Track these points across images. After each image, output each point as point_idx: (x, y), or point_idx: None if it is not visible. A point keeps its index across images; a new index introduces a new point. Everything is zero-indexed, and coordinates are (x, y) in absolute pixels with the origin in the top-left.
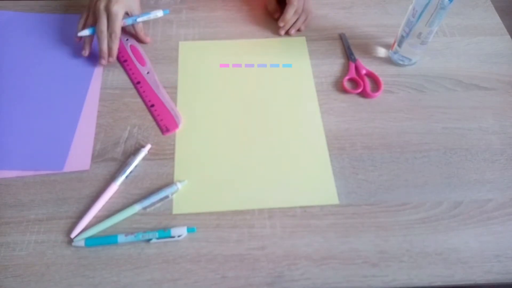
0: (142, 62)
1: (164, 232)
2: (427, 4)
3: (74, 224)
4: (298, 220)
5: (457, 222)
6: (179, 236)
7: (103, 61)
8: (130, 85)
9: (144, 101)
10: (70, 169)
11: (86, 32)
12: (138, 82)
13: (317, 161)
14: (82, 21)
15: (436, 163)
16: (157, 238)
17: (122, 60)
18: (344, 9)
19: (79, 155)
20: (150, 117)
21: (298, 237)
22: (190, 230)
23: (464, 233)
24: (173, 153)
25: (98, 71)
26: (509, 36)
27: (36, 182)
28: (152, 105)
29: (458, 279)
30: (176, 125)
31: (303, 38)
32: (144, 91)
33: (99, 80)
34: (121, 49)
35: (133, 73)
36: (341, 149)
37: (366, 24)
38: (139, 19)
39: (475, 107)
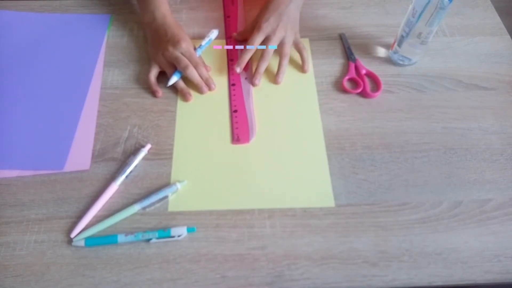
0: (246, 67)
1: (164, 232)
2: (427, 4)
3: (74, 224)
4: (298, 220)
5: (457, 222)
6: (179, 236)
7: (205, 90)
8: (130, 85)
9: (230, 104)
10: (70, 169)
11: (174, 79)
12: (233, 84)
13: (315, 163)
14: (152, 75)
15: (436, 163)
16: (157, 238)
17: (229, 59)
18: (344, 9)
19: (79, 155)
20: (150, 117)
21: (298, 237)
22: (190, 230)
23: (464, 233)
24: (173, 153)
25: (98, 71)
26: (509, 36)
27: (36, 182)
28: (235, 111)
29: (458, 278)
30: (247, 139)
31: (307, 40)
32: (234, 95)
33: (99, 80)
34: (232, 49)
35: (232, 74)
36: (341, 149)
37: (366, 24)
38: (204, 47)
39: (475, 107)
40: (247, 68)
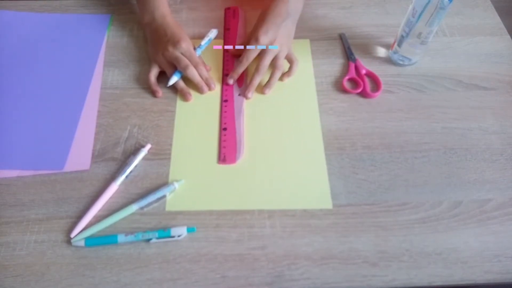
0: (240, 83)
1: (164, 232)
2: (427, 4)
3: (74, 224)
4: (298, 220)
5: (457, 222)
6: (179, 236)
7: (205, 90)
8: (130, 85)
9: (220, 121)
10: (70, 169)
11: (174, 79)
12: (226, 100)
13: (313, 165)
14: (153, 75)
15: (436, 163)
16: (157, 238)
17: (224, 73)
18: (344, 9)
19: (79, 155)
20: (150, 117)
21: (298, 237)
22: (190, 230)
23: (464, 233)
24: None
25: (98, 71)
26: (509, 36)
27: (36, 182)
28: (225, 129)
29: (458, 278)
30: (234, 159)
31: (307, 41)
32: (225, 111)
33: (99, 80)
34: (227, 64)
35: (226, 89)
36: (341, 149)
37: (366, 24)
38: (203, 46)
39: (475, 107)
40: (241, 83)
